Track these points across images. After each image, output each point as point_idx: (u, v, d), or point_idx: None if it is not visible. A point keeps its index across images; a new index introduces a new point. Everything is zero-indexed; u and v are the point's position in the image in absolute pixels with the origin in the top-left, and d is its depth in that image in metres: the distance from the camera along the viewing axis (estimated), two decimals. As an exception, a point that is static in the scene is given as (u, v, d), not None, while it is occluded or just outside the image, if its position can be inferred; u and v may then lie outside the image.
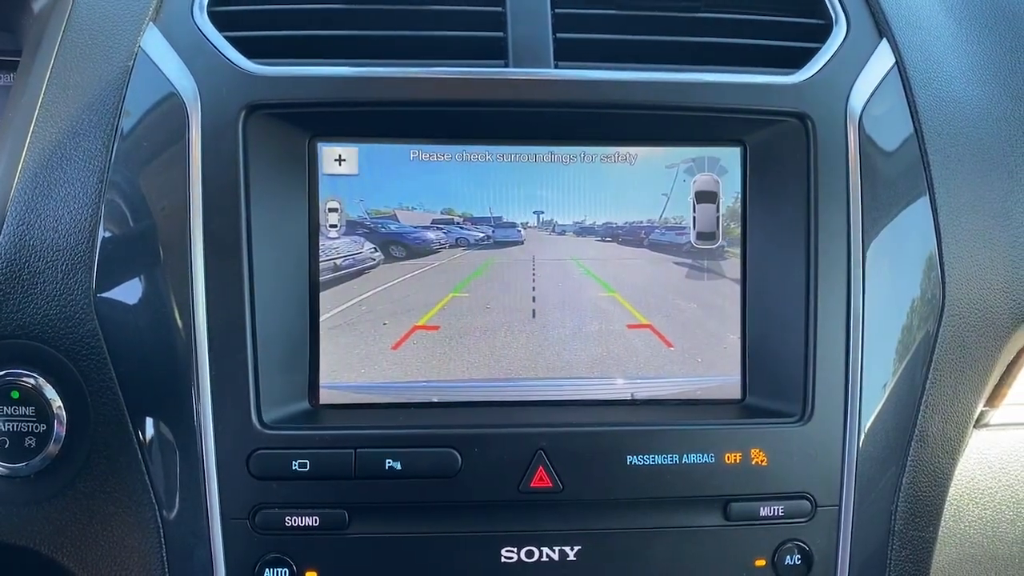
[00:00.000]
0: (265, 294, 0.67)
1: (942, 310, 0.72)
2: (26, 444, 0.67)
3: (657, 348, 0.73)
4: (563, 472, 0.66)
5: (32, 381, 0.66)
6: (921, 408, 0.72)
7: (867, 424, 0.69)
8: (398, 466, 0.65)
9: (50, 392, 0.66)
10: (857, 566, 0.69)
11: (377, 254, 0.71)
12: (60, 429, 0.66)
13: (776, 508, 0.68)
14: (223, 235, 0.66)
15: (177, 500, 0.66)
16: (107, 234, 0.67)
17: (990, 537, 0.82)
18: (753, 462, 0.68)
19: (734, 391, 0.73)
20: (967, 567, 0.83)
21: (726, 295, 0.73)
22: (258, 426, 0.65)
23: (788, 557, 0.68)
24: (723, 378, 0.73)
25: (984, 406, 0.78)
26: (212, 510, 0.65)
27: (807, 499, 0.68)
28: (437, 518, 0.66)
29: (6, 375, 0.66)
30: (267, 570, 0.65)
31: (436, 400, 0.71)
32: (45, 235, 0.67)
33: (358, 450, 0.65)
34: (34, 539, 0.67)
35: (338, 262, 0.70)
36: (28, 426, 0.67)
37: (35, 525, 0.67)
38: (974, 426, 0.77)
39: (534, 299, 0.72)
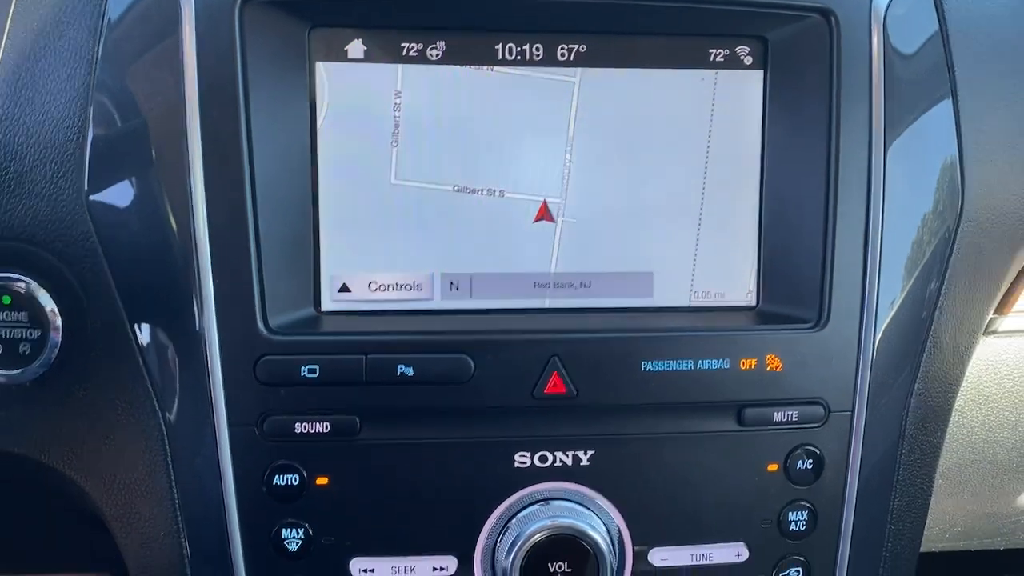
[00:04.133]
0: (266, 193, 0.64)
1: (960, 215, 0.71)
2: (21, 351, 0.64)
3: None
4: (578, 378, 0.65)
5: (24, 286, 0.63)
6: (936, 314, 0.71)
7: (882, 330, 0.69)
8: (410, 372, 0.63)
9: (44, 298, 0.64)
10: (867, 470, 0.69)
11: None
12: (56, 335, 0.64)
13: (790, 413, 0.67)
14: (221, 131, 0.62)
15: (182, 407, 0.64)
16: (98, 131, 0.63)
17: (991, 442, 0.83)
18: (768, 368, 0.67)
19: (749, 297, 0.72)
20: (967, 472, 0.85)
21: (744, 199, 0.72)
22: (264, 332, 0.63)
23: (800, 462, 0.68)
24: (737, 284, 0.72)
25: (993, 313, 0.78)
26: (218, 417, 0.63)
27: (820, 404, 0.68)
28: (450, 424, 0.65)
29: None
30: (276, 476, 0.63)
31: (448, 307, 0.69)
32: (31, 131, 0.63)
33: (369, 356, 0.63)
34: (34, 447, 0.66)
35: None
36: (22, 332, 0.64)
37: (34, 433, 0.66)
38: (983, 333, 0.77)
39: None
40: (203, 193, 0.62)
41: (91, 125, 0.63)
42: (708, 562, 0.68)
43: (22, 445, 0.66)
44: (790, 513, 0.68)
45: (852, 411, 0.68)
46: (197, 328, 0.63)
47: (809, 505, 0.68)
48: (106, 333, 0.64)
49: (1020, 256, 0.76)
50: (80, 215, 0.63)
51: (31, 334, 0.64)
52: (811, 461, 0.68)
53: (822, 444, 0.68)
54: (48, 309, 0.64)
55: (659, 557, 0.67)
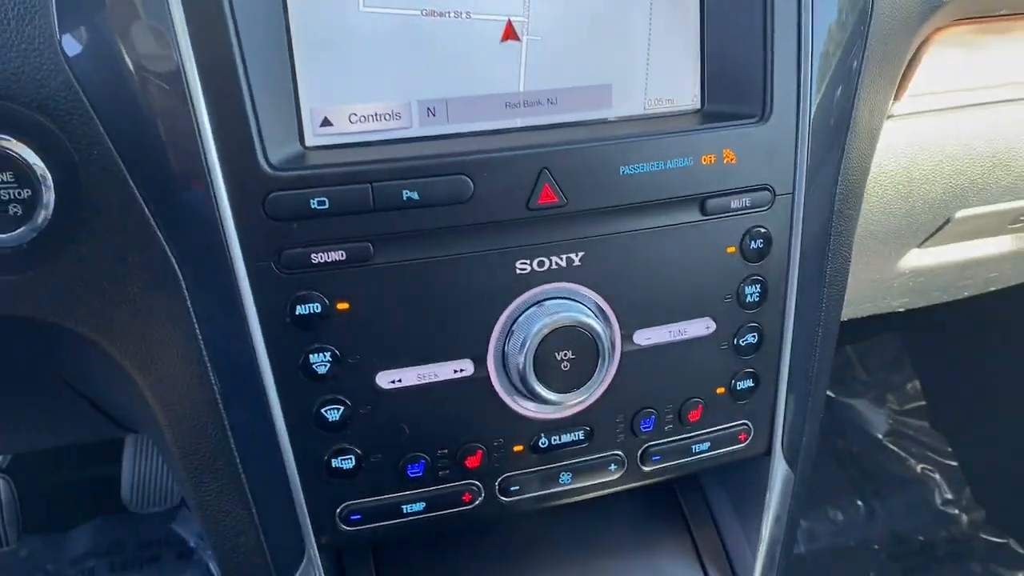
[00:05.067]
0: (246, 28, 0.63)
1: (872, 9, 0.79)
2: (11, 212, 0.63)
3: (630, 64, 0.76)
4: (566, 187, 0.70)
5: (5, 144, 0.61)
6: (855, 100, 0.80)
7: (814, 117, 0.77)
8: (415, 196, 0.66)
9: (29, 155, 0.61)
10: (805, 245, 0.79)
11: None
12: (48, 194, 0.62)
13: (744, 200, 0.76)
14: None
15: (196, 252, 0.65)
16: None
17: (885, 213, 0.96)
18: (724, 161, 0.74)
19: (695, 101, 0.79)
20: (866, 243, 0.98)
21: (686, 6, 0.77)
22: (268, 169, 0.64)
23: (753, 242, 0.77)
24: (684, 89, 0.78)
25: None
26: (234, 256, 0.64)
27: (768, 190, 0.77)
28: (456, 241, 0.69)
29: None
30: (299, 307, 0.66)
31: (427, 134, 0.72)
32: None
33: (374, 184, 0.65)
34: (42, 308, 0.65)
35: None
36: (10, 193, 0.62)
37: (41, 292, 0.65)
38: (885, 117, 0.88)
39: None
40: (186, 29, 0.60)
41: None
42: (683, 337, 0.77)
43: (30, 309, 0.65)
44: (746, 287, 0.78)
45: (793, 193, 0.78)
46: (201, 170, 0.63)
47: (761, 278, 0.79)
48: (104, 185, 0.63)
49: (916, 40, 0.85)
50: (56, 63, 0.60)
51: (20, 194, 0.62)
52: (761, 241, 0.78)
53: (770, 225, 0.78)
54: (37, 168, 0.62)
55: (643, 337, 0.76)
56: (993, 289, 1.38)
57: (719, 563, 0.91)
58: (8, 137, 0.61)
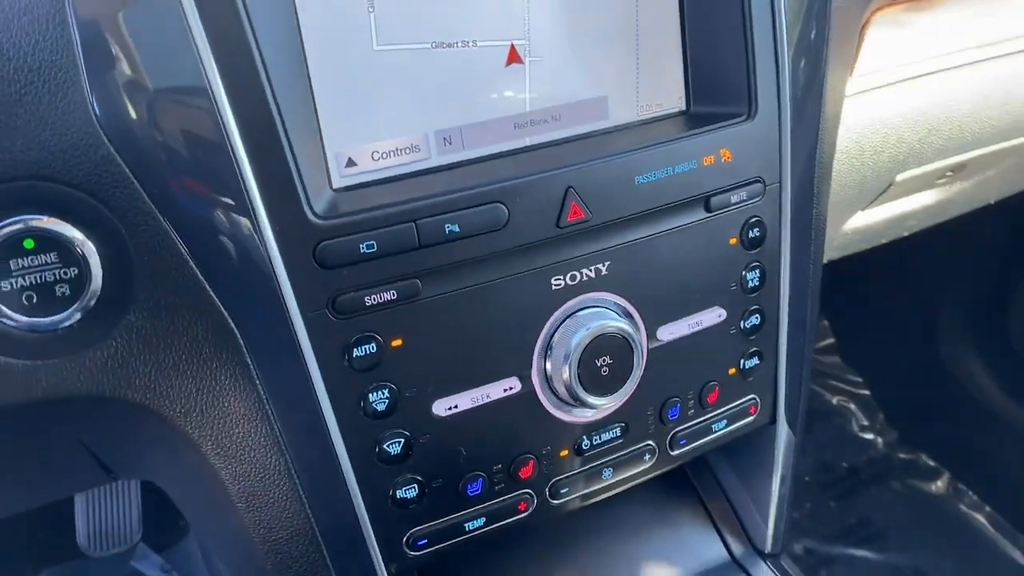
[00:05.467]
0: (275, 78, 0.63)
1: None
2: (59, 293, 0.61)
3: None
4: (590, 202, 0.73)
5: (47, 224, 0.59)
6: (824, 87, 0.87)
7: (793, 109, 0.83)
8: (456, 228, 0.68)
9: (73, 233, 0.60)
10: (793, 226, 0.86)
11: None
12: (96, 270, 0.61)
13: (741, 194, 0.81)
14: (220, 14, 0.59)
15: (252, 309, 0.65)
16: (86, 35, 0.58)
17: (841, 185, 1.04)
18: (723, 160, 0.79)
19: (680, 103, 0.83)
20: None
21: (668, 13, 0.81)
22: (315, 219, 0.64)
23: (751, 231, 0.83)
24: (672, 93, 0.83)
25: (843, 81, 0.96)
26: (290, 309, 0.65)
27: (760, 182, 0.82)
28: (496, 266, 0.71)
29: (11, 223, 0.58)
30: (356, 349, 0.67)
31: (445, 163, 0.73)
32: (12, 51, 0.56)
33: (418, 221, 0.67)
34: (100, 384, 0.64)
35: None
36: (55, 274, 0.61)
37: (98, 368, 0.63)
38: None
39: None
40: (223, 88, 0.60)
41: (75, 31, 0.58)
42: (700, 327, 0.82)
43: (87, 387, 0.63)
44: (747, 274, 0.84)
45: (780, 182, 0.84)
46: (251, 228, 0.63)
47: (759, 264, 0.85)
48: (150, 252, 0.62)
49: (861, 22, 0.93)
50: (95, 137, 0.59)
51: (66, 274, 0.61)
52: (758, 229, 0.83)
53: (763, 214, 0.83)
54: (78, 242, 0.60)
55: (666, 333, 0.81)
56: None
57: (734, 529, 0.98)
58: (51, 217, 0.59)
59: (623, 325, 0.76)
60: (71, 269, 0.61)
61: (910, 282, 2.15)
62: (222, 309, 0.65)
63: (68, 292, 0.61)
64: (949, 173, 1.15)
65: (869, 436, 2.28)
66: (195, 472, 0.73)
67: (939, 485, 2.14)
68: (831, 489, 2.18)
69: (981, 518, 2.06)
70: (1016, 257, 1.91)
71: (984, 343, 2.06)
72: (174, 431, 0.69)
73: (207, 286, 0.64)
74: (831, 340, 2.40)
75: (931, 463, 2.18)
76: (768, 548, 0.98)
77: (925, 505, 2.11)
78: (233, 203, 0.62)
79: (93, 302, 0.62)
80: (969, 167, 1.15)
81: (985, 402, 2.06)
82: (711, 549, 0.96)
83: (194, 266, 0.63)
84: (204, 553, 1.42)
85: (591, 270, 0.76)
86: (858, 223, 1.19)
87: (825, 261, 1.44)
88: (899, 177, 1.08)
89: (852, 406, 2.32)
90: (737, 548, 0.98)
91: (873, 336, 2.33)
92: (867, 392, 2.32)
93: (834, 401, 2.34)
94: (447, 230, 0.68)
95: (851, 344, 2.37)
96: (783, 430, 0.93)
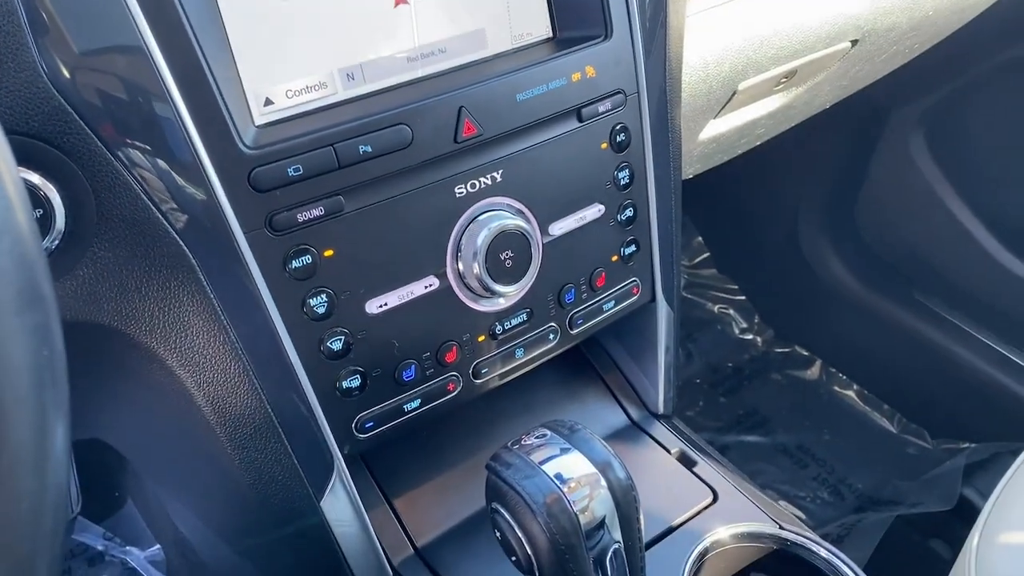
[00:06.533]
0: (196, 23, 0.72)
1: None
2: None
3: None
4: (481, 119, 0.85)
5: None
6: (667, 9, 1.01)
7: (643, 29, 0.97)
8: (369, 148, 0.79)
9: (34, 177, 0.69)
10: (653, 129, 1.00)
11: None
12: (59, 209, 0.70)
13: (607, 104, 0.95)
14: None
15: (201, 232, 0.75)
16: (28, 3, 0.66)
17: (692, 95, 1.19)
18: (588, 76, 0.93)
19: (547, 30, 0.96)
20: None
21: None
22: (245, 149, 0.74)
23: (618, 136, 0.97)
24: (540, 23, 0.96)
25: (684, 3, 1.10)
26: (234, 229, 0.75)
27: (621, 93, 0.96)
28: (406, 180, 0.83)
29: None
30: (293, 260, 0.78)
31: (351, 96, 0.84)
32: None
33: (335, 145, 0.78)
34: (74, 310, 0.73)
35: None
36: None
37: (69, 297, 0.72)
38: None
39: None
40: (155, 41, 0.69)
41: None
42: (584, 222, 0.96)
43: (72, 314, 0.72)
44: (619, 173, 0.98)
45: (638, 92, 0.98)
46: (194, 162, 0.72)
47: (628, 164, 0.99)
48: (110, 192, 0.71)
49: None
50: (45, 90, 0.67)
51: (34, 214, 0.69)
52: (623, 134, 0.98)
53: (627, 120, 0.98)
54: (41, 186, 0.69)
55: (557, 228, 0.94)
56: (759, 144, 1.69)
57: (631, 397, 1.14)
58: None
59: (520, 223, 0.89)
60: (36, 211, 0.69)
61: (770, 191, 2.37)
62: (175, 235, 0.74)
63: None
64: (784, 80, 1.32)
65: (748, 336, 2.51)
66: (160, 395, 0.82)
67: (813, 371, 2.39)
68: (720, 387, 2.40)
69: (851, 394, 2.32)
70: (859, 156, 2.15)
71: (839, 238, 2.31)
72: (139, 351, 0.78)
73: (160, 216, 0.73)
74: (706, 255, 2.61)
75: (804, 353, 2.43)
76: (661, 410, 1.14)
77: (802, 390, 2.36)
78: (176, 144, 0.72)
79: (58, 240, 0.70)
80: (800, 73, 1.32)
81: (844, 292, 2.30)
82: (614, 416, 1.12)
83: (147, 200, 0.73)
84: (147, 516, 1.50)
85: (488, 178, 0.88)
86: (712, 132, 1.35)
87: (692, 175, 1.61)
88: (741, 85, 1.24)
89: (731, 311, 2.55)
90: (635, 413, 1.14)
91: (743, 245, 2.55)
92: (743, 297, 2.55)
93: (715, 309, 2.56)
94: (361, 151, 0.79)
95: (724, 255, 2.59)
96: (663, 307, 1.09)
